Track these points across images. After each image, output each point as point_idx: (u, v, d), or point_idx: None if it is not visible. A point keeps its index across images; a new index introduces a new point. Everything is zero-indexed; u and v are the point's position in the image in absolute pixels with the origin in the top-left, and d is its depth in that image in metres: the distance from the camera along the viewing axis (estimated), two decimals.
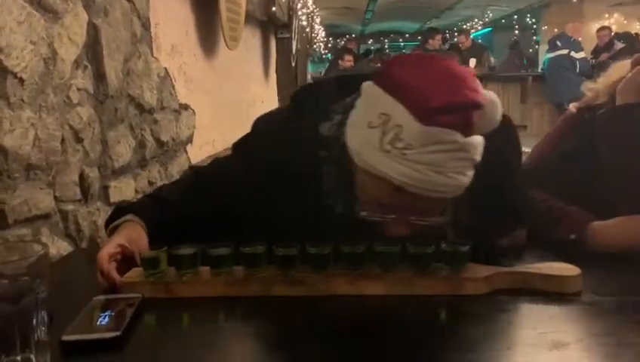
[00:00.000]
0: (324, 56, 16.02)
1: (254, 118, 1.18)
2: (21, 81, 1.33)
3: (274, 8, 5.02)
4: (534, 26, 13.76)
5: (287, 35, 6.22)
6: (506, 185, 1.05)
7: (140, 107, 2.12)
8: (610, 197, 1.20)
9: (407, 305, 0.91)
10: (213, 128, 3.21)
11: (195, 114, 2.86)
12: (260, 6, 4.70)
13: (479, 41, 12.44)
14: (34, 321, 0.68)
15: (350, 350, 0.77)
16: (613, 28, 9.37)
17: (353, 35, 17.26)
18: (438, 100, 0.87)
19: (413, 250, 0.94)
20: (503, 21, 14.65)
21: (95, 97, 1.73)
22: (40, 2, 1.43)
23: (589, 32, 9.92)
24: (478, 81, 0.93)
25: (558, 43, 8.39)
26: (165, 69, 2.43)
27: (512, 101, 9.26)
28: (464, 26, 12.65)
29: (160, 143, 2.32)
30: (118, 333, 0.78)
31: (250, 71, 4.89)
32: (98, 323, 0.82)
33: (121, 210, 1.11)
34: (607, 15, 10.97)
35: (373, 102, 0.94)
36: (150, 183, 2.18)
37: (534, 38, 13.69)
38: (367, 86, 0.96)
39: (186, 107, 2.72)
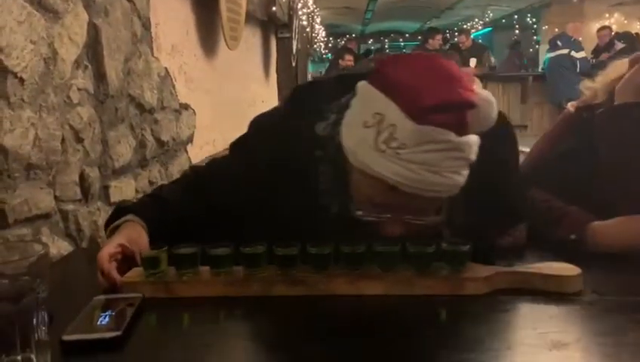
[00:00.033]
0: (324, 55, 16.01)
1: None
2: (21, 80, 1.33)
3: (274, 8, 5.02)
4: (535, 26, 13.76)
5: (288, 35, 6.22)
6: (502, 184, 1.05)
7: (141, 107, 2.12)
8: (609, 196, 1.20)
9: (408, 305, 0.91)
10: (214, 128, 3.21)
11: (195, 114, 2.86)
12: (261, 6, 4.70)
13: (479, 40, 12.43)
14: (34, 321, 0.68)
15: (350, 350, 0.77)
16: (614, 28, 9.37)
17: (353, 35, 17.27)
18: (432, 99, 0.87)
19: (413, 250, 0.93)
20: (504, 21, 14.65)
21: (95, 97, 1.73)
22: (40, 2, 1.43)
23: (589, 32, 9.93)
24: (473, 80, 0.93)
25: (559, 43, 8.39)
26: (166, 68, 2.43)
27: (513, 101, 9.26)
28: (464, 26, 12.63)
29: (160, 143, 2.32)
30: (118, 333, 0.78)
31: (251, 71, 4.90)
32: (98, 322, 0.82)
33: (121, 210, 1.11)
34: (607, 15, 10.98)
35: (367, 102, 0.94)
36: (151, 183, 2.19)
37: (535, 37, 13.70)
38: (362, 85, 0.96)
39: (186, 107, 2.72)
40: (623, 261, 1.08)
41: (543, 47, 10.57)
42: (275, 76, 6.05)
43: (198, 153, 2.89)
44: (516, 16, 14.01)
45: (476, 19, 15.08)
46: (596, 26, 9.72)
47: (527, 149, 1.51)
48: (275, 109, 1.19)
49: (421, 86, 0.89)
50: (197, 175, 1.20)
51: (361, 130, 0.92)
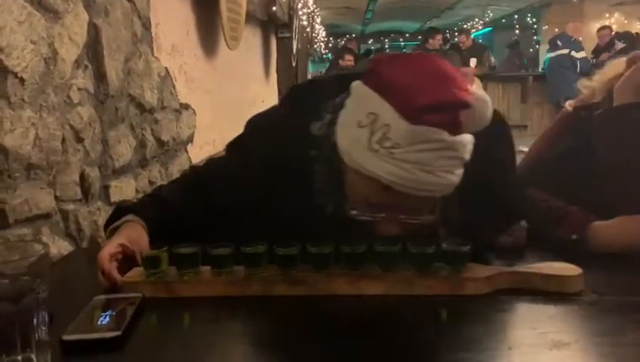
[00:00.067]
0: (324, 55, 16.02)
1: None
2: (22, 80, 1.33)
3: (274, 8, 5.02)
4: (535, 26, 13.76)
5: (288, 35, 6.22)
6: (498, 183, 1.05)
7: (141, 107, 2.12)
8: (608, 197, 1.20)
9: (408, 305, 0.91)
10: (214, 128, 3.21)
11: (195, 113, 2.86)
12: (261, 6, 4.70)
13: (480, 40, 12.43)
14: (34, 321, 0.68)
15: (350, 350, 0.78)
16: (614, 27, 9.38)
17: (353, 35, 17.28)
18: (425, 99, 0.87)
19: (413, 250, 0.93)
20: (504, 21, 14.65)
21: (96, 97, 1.73)
22: (40, 2, 1.43)
23: (589, 32, 9.93)
24: (471, 80, 0.93)
25: (559, 43, 8.40)
26: (166, 68, 2.43)
27: (513, 101, 9.27)
28: (464, 26, 12.63)
29: (160, 143, 2.33)
30: (118, 333, 0.78)
31: (251, 70, 4.90)
32: (99, 322, 0.82)
33: (120, 210, 1.11)
34: (607, 15, 10.98)
35: (362, 102, 0.94)
36: (151, 183, 2.19)
37: (535, 37, 13.70)
38: (356, 85, 0.96)
39: (186, 107, 2.72)
40: (623, 261, 1.08)
41: (543, 47, 10.57)
42: (275, 76, 6.05)
43: (199, 153, 2.89)
44: (516, 16, 14.02)
45: (476, 19, 15.08)
46: (596, 25, 9.73)
47: (527, 149, 1.51)
48: (271, 109, 1.19)
49: (415, 86, 0.89)
50: (197, 175, 1.20)
51: (355, 129, 0.92)
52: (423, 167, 0.88)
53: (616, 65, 1.31)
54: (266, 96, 5.29)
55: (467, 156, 0.91)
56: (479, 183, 0.94)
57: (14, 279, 0.66)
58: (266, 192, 1.05)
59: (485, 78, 8.39)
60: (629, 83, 1.21)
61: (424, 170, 0.88)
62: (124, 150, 1.93)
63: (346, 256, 0.94)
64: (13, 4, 1.31)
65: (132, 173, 2.03)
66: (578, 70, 7.83)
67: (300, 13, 7.20)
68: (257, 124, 1.15)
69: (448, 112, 0.88)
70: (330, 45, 16.81)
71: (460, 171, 0.92)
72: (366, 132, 0.90)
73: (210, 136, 3.12)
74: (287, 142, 1.05)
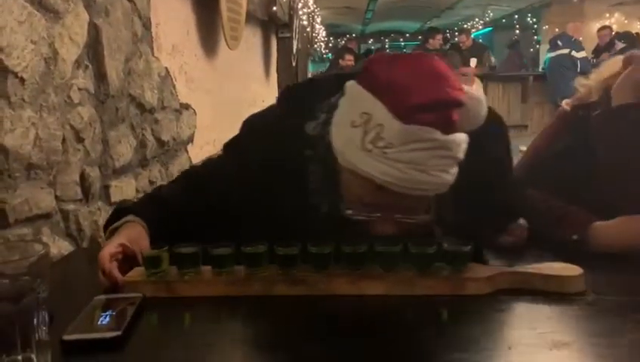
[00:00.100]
0: (324, 55, 16.02)
1: None
2: (22, 80, 1.33)
3: (275, 8, 5.02)
4: (535, 26, 13.76)
5: (288, 35, 6.22)
6: (494, 182, 1.05)
7: (141, 107, 2.12)
8: (607, 197, 1.20)
9: (409, 305, 0.91)
10: (214, 128, 3.21)
11: (195, 113, 2.86)
12: (261, 6, 4.70)
13: (480, 40, 12.43)
14: (35, 321, 0.68)
15: (351, 350, 0.78)
16: (614, 27, 9.38)
17: (354, 35, 17.27)
18: (417, 98, 0.87)
19: (414, 250, 0.93)
20: (504, 21, 14.65)
21: (96, 97, 1.73)
22: (41, 2, 1.43)
23: (589, 32, 9.93)
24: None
25: (559, 42, 8.39)
26: (166, 68, 2.43)
27: (513, 101, 9.27)
28: (465, 26, 12.63)
29: (161, 143, 2.33)
30: (118, 333, 0.78)
31: (251, 70, 4.90)
32: (99, 322, 0.82)
33: (120, 211, 1.11)
34: (607, 15, 10.98)
35: (355, 101, 0.94)
36: (151, 183, 2.19)
37: (535, 37, 13.69)
38: (350, 85, 0.96)
39: (186, 107, 2.72)
40: (623, 261, 1.08)
41: (544, 47, 10.58)
42: (275, 76, 6.05)
43: (199, 153, 2.89)
44: (516, 16, 14.02)
45: (476, 19, 15.09)
46: (596, 25, 9.73)
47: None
48: (267, 109, 1.19)
49: (408, 85, 0.89)
50: (196, 175, 1.20)
51: (349, 129, 0.92)
52: (416, 167, 0.88)
53: (612, 65, 1.31)
54: (266, 96, 5.29)
55: (461, 155, 0.91)
56: (475, 182, 0.94)
57: (14, 279, 0.66)
58: (262, 192, 1.05)
59: (485, 78, 8.39)
60: (627, 82, 1.21)
61: (417, 170, 0.88)
62: (124, 150, 1.93)
63: (347, 256, 0.94)
64: (14, 4, 1.31)
65: (132, 173, 2.03)
66: (578, 70, 7.82)
67: (300, 13, 7.20)
68: (253, 124, 1.15)
69: (441, 111, 0.88)
70: (330, 45, 16.82)
71: (454, 170, 0.92)
72: (359, 132, 0.90)
73: (210, 136, 3.12)
74: (282, 142, 1.05)
